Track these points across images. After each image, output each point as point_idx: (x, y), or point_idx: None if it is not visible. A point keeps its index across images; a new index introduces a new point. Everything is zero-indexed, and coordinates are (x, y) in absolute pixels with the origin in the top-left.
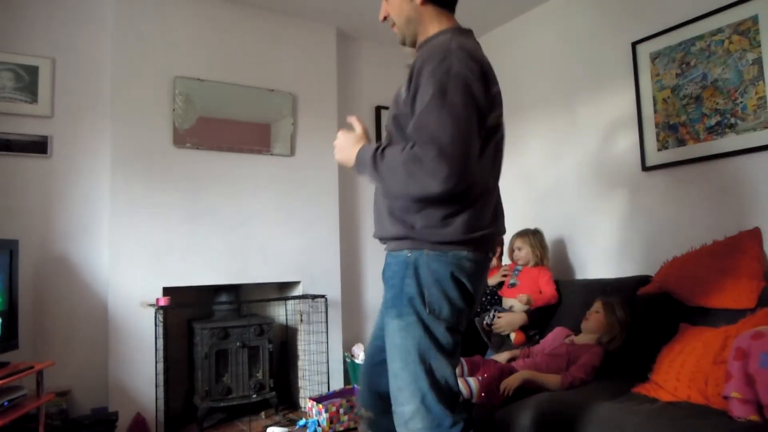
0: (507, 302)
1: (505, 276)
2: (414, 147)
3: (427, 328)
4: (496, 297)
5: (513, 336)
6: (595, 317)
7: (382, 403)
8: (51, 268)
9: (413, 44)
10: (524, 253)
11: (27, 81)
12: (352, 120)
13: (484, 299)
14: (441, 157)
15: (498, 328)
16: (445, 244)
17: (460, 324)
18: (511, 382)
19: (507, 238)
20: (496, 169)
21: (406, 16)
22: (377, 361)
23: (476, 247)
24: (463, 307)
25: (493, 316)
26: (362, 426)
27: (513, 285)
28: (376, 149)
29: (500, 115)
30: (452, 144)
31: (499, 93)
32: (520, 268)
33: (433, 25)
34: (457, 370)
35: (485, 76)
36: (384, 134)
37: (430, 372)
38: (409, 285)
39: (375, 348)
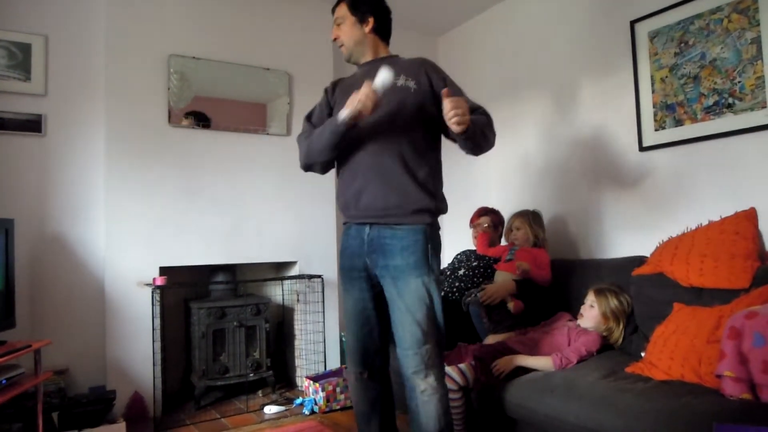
0: (497, 277)
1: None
2: (488, 117)
3: (437, 285)
4: (489, 270)
5: (511, 305)
6: (590, 313)
7: (377, 359)
8: (47, 248)
9: (357, 62)
10: (522, 233)
11: (20, 58)
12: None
13: (475, 277)
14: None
15: (488, 297)
16: (437, 215)
17: None
18: (503, 365)
19: (506, 216)
20: None
21: (356, 40)
22: (371, 327)
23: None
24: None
25: (480, 289)
26: (359, 386)
27: (509, 260)
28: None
29: None
30: None
31: None
32: (516, 247)
33: (380, 48)
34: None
35: None
36: None
37: (442, 317)
38: (430, 250)
39: (366, 318)
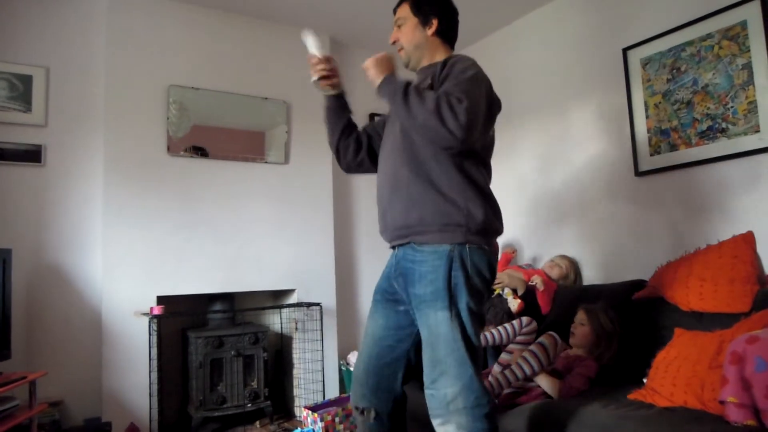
0: (505, 273)
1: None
2: (448, 95)
3: (469, 318)
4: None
5: (515, 305)
6: (580, 331)
7: (390, 400)
8: (44, 277)
9: (415, 68)
10: (557, 271)
11: (21, 90)
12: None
13: None
14: (468, 111)
15: (498, 282)
16: (482, 236)
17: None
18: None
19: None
20: (489, 175)
21: (416, 43)
22: (388, 360)
23: (492, 240)
24: (486, 298)
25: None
26: (363, 426)
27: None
28: (410, 82)
29: (493, 136)
30: (478, 109)
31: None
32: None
33: (440, 53)
34: None
35: (497, 98)
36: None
37: (473, 357)
38: (457, 277)
39: (384, 348)
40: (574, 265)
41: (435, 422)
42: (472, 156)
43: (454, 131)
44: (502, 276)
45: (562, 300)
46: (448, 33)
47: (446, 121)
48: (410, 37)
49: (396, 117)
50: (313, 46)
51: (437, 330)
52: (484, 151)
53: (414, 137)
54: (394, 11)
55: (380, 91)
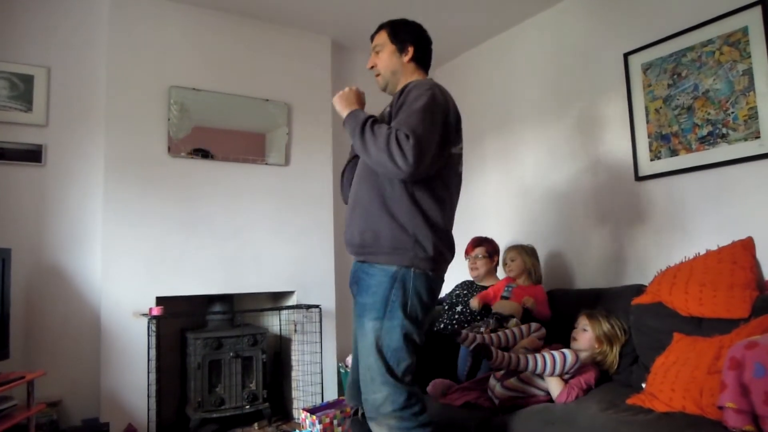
0: (500, 305)
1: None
2: (398, 131)
3: (403, 330)
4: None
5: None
6: (583, 336)
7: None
8: (43, 277)
9: (392, 92)
10: (517, 263)
11: (22, 90)
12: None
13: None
14: (417, 150)
15: (498, 307)
16: (428, 262)
17: (424, 326)
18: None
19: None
20: (457, 194)
21: (393, 69)
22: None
23: (440, 268)
24: (427, 314)
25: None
26: (352, 421)
27: (506, 298)
28: (369, 117)
29: (462, 148)
30: (426, 141)
31: (461, 131)
32: (513, 285)
33: (414, 77)
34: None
35: (456, 115)
36: None
37: (397, 367)
38: (395, 295)
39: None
40: (527, 253)
41: (370, 424)
42: (425, 184)
43: (402, 167)
44: (499, 307)
45: (563, 306)
46: (422, 59)
47: (395, 157)
48: (387, 63)
49: (356, 151)
50: None
51: (367, 339)
52: (443, 174)
53: None
54: (372, 38)
55: (344, 126)
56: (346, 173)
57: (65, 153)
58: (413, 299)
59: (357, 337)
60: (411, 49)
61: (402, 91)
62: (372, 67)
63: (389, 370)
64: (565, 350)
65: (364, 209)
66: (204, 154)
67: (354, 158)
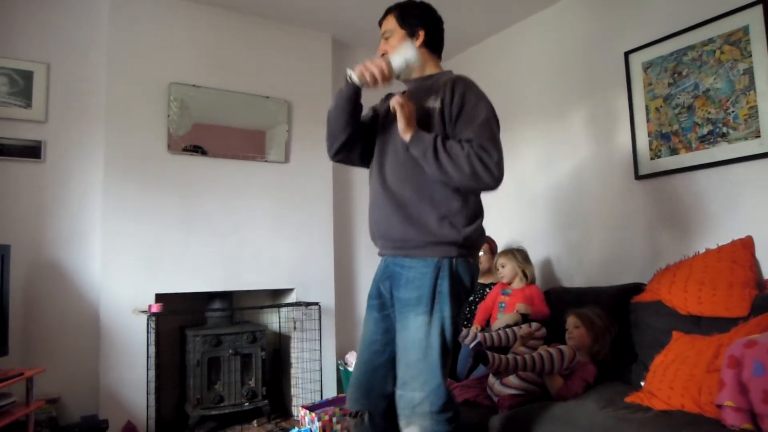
0: (500, 320)
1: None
2: (477, 148)
3: (447, 325)
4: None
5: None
6: (576, 333)
7: (383, 402)
8: (42, 274)
9: (407, 78)
10: (508, 270)
11: (21, 86)
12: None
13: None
14: (500, 163)
15: (501, 323)
16: (468, 249)
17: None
18: None
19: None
20: None
21: None
22: (378, 363)
23: (477, 254)
24: (467, 302)
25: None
26: (356, 428)
27: (502, 307)
28: (436, 136)
29: None
30: (501, 149)
31: None
32: (509, 291)
33: (430, 64)
34: None
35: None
36: None
37: (441, 364)
38: (442, 286)
39: (374, 353)
40: (516, 257)
41: (401, 422)
42: None
43: (490, 183)
44: (502, 323)
45: (562, 304)
46: (434, 43)
47: (479, 175)
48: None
49: (427, 171)
50: (404, 60)
51: (414, 334)
52: None
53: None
54: (380, 24)
55: (411, 148)
56: (346, 129)
57: (65, 149)
58: (458, 288)
59: (392, 333)
60: (422, 33)
61: (452, 88)
62: (382, 55)
63: (435, 368)
64: (561, 347)
65: (408, 208)
66: (203, 151)
67: (357, 115)
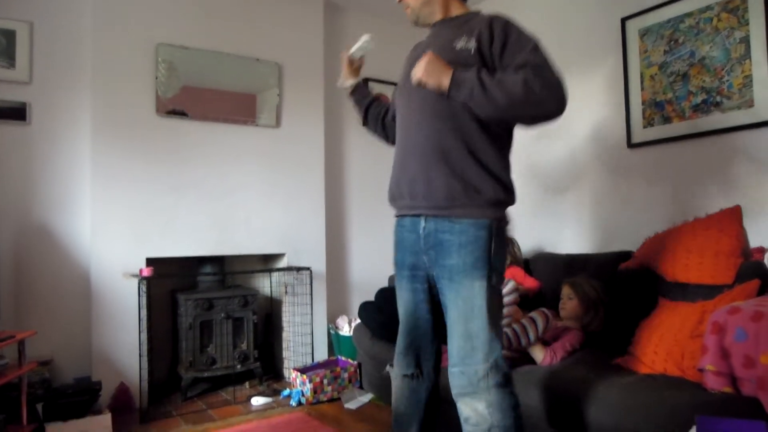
0: None
1: None
2: (533, 69)
3: (499, 290)
4: None
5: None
6: (570, 304)
7: (432, 357)
8: (32, 238)
9: (426, 24)
10: None
11: (4, 45)
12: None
13: None
14: (562, 84)
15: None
16: (505, 210)
17: None
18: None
19: None
20: None
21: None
22: (423, 331)
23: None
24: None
25: None
26: (405, 386)
27: None
28: (479, 68)
29: None
30: (562, 78)
31: None
32: None
33: (455, 5)
34: None
35: None
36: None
37: (500, 332)
38: (495, 251)
39: (418, 320)
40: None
41: (462, 400)
42: (506, 125)
43: (556, 109)
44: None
45: (552, 270)
46: None
47: (545, 103)
48: None
49: (478, 112)
50: (358, 48)
51: (473, 302)
52: None
53: (463, 110)
54: None
55: (453, 94)
56: (371, 119)
57: (50, 111)
58: (502, 253)
59: (429, 299)
60: None
61: (490, 26)
62: (400, 1)
63: (497, 336)
64: (532, 314)
65: (451, 160)
66: (191, 115)
67: (371, 104)
